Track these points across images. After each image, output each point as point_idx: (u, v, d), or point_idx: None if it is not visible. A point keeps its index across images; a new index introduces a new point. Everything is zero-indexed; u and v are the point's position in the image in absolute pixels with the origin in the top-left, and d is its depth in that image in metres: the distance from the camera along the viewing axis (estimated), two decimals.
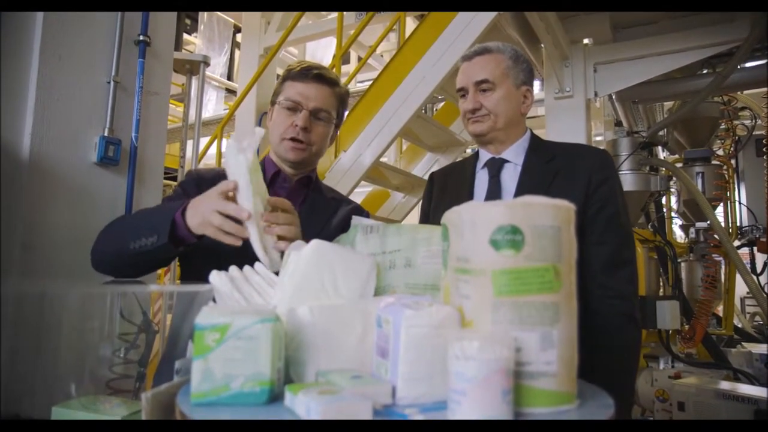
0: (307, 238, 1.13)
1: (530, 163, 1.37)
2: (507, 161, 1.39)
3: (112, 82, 1.70)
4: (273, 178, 1.37)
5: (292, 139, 1.32)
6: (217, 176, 1.33)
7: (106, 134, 1.67)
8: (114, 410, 0.83)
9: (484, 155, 1.44)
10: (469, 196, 1.40)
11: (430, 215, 1.50)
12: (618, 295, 1.27)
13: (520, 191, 1.34)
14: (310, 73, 1.34)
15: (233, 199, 1.04)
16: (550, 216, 0.66)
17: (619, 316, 1.26)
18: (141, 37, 1.80)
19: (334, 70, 3.31)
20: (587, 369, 0.69)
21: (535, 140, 1.43)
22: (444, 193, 1.50)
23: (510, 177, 1.38)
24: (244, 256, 1.00)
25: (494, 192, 1.37)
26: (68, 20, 1.59)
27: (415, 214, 2.68)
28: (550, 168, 1.35)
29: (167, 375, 0.76)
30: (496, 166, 1.40)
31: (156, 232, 1.06)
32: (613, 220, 1.31)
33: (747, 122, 4.59)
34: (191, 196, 1.24)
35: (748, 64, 3.77)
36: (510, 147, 1.40)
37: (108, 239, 1.19)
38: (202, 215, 1.04)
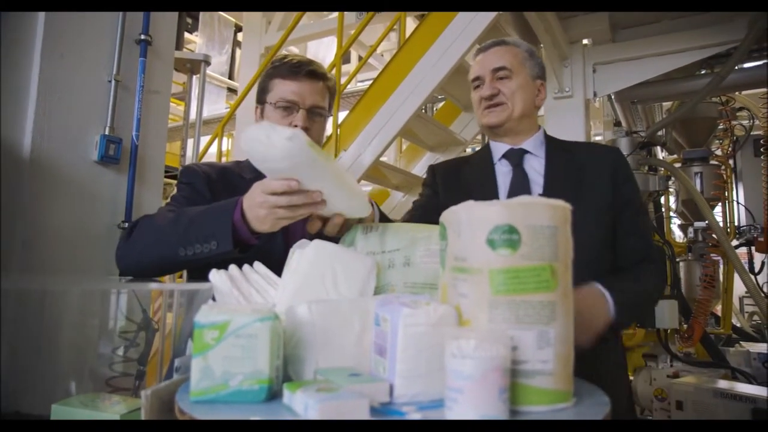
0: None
1: (552, 155, 1.37)
2: (527, 152, 1.38)
3: (113, 81, 1.70)
4: None
5: None
6: (223, 171, 1.32)
7: (107, 133, 1.68)
8: (113, 408, 0.83)
9: (500, 147, 1.41)
10: (494, 188, 1.38)
11: (440, 209, 1.45)
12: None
13: (548, 183, 1.33)
14: (303, 70, 1.31)
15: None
16: (547, 216, 0.67)
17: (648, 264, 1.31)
18: (142, 36, 1.81)
19: (334, 69, 3.34)
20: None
21: (548, 136, 1.43)
22: (459, 188, 1.44)
23: (533, 168, 1.36)
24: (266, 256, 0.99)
25: (520, 182, 1.35)
26: (70, 19, 1.60)
27: None
28: (574, 162, 1.35)
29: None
30: (517, 157, 1.37)
31: (214, 238, 1.01)
32: (640, 215, 1.35)
33: (745, 122, 4.60)
34: (203, 194, 1.24)
35: (747, 65, 3.78)
36: (528, 139, 1.39)
37: (146, 246, 1.09)
38: (270, 217, 0.98)
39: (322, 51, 6.68)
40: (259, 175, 1.31)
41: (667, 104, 5.09)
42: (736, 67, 3.47)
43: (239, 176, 1.32)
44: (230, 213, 1.01)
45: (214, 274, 0.90)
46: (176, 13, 2.03)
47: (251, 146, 0.90)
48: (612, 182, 1.32)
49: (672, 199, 4.93)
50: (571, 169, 1.34)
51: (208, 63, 3.56)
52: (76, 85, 1.62)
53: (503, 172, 1.40)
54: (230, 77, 7.03)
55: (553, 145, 1.40)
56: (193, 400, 0.65)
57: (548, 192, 1.31)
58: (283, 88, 1.30)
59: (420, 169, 4.19)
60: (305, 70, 1.31)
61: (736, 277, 4.00)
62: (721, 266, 4.24)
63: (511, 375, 0.61)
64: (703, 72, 3.97)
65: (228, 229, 1.00)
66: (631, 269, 1.28)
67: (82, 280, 1.11)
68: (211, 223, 1.03)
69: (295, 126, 1.28)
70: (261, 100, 1.36)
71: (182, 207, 1.19)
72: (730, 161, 4.60)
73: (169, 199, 1.31)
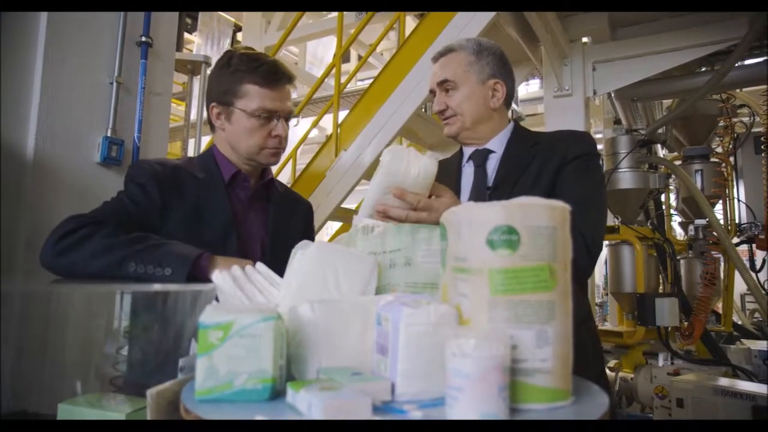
0: (280, 236, 1.17)
1: (511, 150, 1.37)
2: (492, 151, 1.39)
3: (114, 83, 1.71)
4: (233, 179, 1.33)
5: (274, 147, 1.30)
6: (175, 170, 1.26)
7: (109, 135, 1.69)
8: (119, 407, 0.84)
9: (468, 150, 1.44)
10: (457, 190, 1.39)
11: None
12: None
13: (498, 176, 1.34)
14: (283, 78, 1.28)
15: None
16: (546, 216, 0.68)
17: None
18: (143, 38, 1.82)
19: (334, 69, 3.34)
20: None
21: (518, 130, 1.42)
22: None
23: (494, 166, 1.37)
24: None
25: (479, 180, 1.36)
26: (71, 22, 1.61)
27: None
28: (531, 152, 1.33)
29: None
30: (481, 157, 1.39)
31: (170, 266, 1.05)
32: (587, 195, 1.25)
33: (745, 119, 4.60)
34: (154, 199, 1.20)
35: (747, 62, 3.78)
36: (492, 139, 1.39)
37: (90, 253, 1.07)
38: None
39: (321, 50, 6.68)
40: (211, 175, 1.31)
41: (667, 102, 5.09)
42: (737, 64, 3.48)
43: (191, 175, 1.28)
44: (196, 254, 1.06)
45: (218, 275, 0.92)
46: (176, 15, 2.04)
47: (394, 161, 0.99)
48: (559, 163, 1.28)
49: (672, 196, 4.94)
50: (523, 160, 1.32)
51: (208, 64, 3.57)
52: (78, 88, 1.63)
53: (468, 174, 1.41)
54: None
55: (516, 140, 1.39)
56: (199, 399, 0.66)
57: (494, 188, 1.32)
58: (262, 98, 1.26)
59: None
60: (286, 78, 1.28)
61: (737, 275, 4.01)
62: (722, 264, 4.24)
63: (510, 373, 0.62)
64: (703, 69, 3.98)
65: (187, 264, 1.05)
66: None
67: (86, 280, 1.12)
68: (172, 253, 1.07)
69: (277, 136, 1.29)
70: (227, 102, 1.28)
71: (129, 210, 1.19)
72: (731, 159, 4.60)
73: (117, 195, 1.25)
